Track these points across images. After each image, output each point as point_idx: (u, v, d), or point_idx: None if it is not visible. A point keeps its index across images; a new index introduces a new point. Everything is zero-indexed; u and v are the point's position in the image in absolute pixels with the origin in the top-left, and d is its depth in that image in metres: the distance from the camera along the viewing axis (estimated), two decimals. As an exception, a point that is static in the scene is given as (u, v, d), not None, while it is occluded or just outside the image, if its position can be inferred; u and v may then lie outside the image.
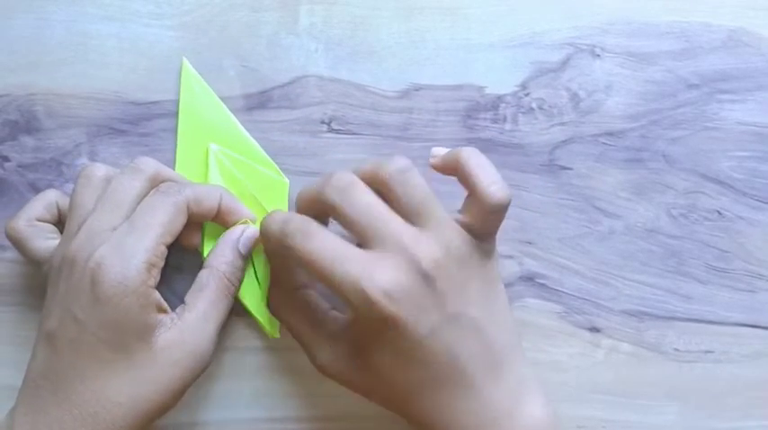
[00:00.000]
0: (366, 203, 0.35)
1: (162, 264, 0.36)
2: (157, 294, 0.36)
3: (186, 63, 0.42)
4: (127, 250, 0.35)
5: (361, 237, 0.35)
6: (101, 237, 0.35)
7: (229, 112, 0.42)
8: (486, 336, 0.36)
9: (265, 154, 0.42)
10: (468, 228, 0.36)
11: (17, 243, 0.39)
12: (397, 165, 0.36)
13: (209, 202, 0.38)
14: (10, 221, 0.39)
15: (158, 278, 0.36)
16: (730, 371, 0.42)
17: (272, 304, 0.40)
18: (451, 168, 0.37)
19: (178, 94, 0.42)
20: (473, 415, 0.36)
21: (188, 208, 0.37)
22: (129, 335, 0.35)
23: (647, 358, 0.42)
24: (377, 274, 0.34)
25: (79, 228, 0.36)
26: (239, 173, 0.41)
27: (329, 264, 0.34)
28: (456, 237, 0.36)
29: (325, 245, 0.35)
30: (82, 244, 0.36)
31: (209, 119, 0.42)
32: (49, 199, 0.39)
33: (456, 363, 0.35)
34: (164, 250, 0.36)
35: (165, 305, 0.36)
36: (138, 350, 0.35)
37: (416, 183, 0.36)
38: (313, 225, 0.36)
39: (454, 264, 0.35)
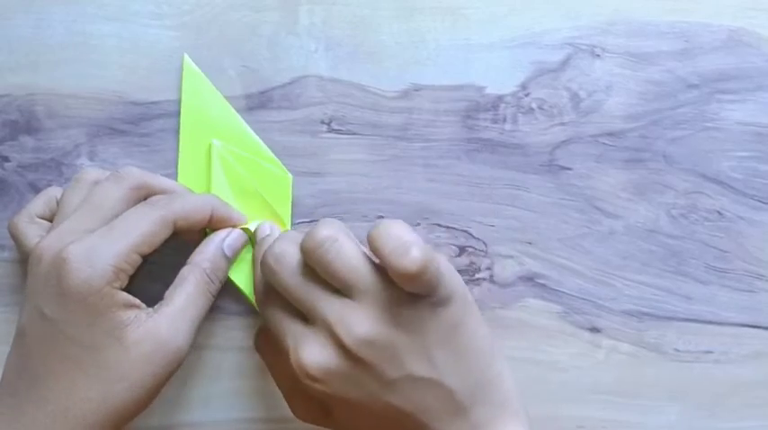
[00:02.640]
0: (295, 281, 0.35)
1: (132, 270, 0.36)
2: (124, 294, 0.35)
3: (187, 59, 0.42)
4: (96, 250, 0.35)
5: (300, 310, 0.36)
6: (72, 236, 0.35)
7: (231, 108, 0.42)
8: (442, 388, 0.35)
9: (268, 149, 0.42)
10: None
11: (15, 239, 0.39)
12: (315, 240, 0.34)
13: (200, 215, 0.38)
14: (13, 217, 0.39)
15: (125, 282, 0.36)
16: (730, 371, 0.42)
17: (257, 344, 0.40)
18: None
19: (179, 90, 0.42)
20: None
21: (175, 223, 0.37)
22: (97, 333, 0.35)
23: (647, 358, 0.42)
24: (304, 354, 0.34)
25: (55, 227, 0.37)
26: (242, 169, 0.41)
27: (278, 331, 0.36)
28: (391, 303, 0.34)
29: (276, 312, 0.36)
30: (51, 241, 0.36)
31: (211, 115, 0.42)
32: (50, 196, 0.39)
33: (408, 416, 0.35)
34: (136, 258, 0.36)
35: (138, 302, 0.36)
36: (108, 346, 0.35)
37: (336, 255, 0.34)
38: (273, 292, 0.36)
39: (389, 331, 0.34)
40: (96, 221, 0.36)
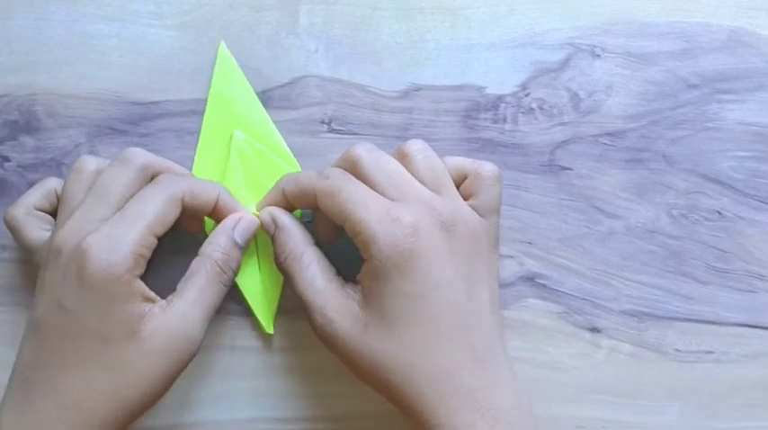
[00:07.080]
0: (393, 167, 0.37)
1: (149, 254, 0.36)
2: (142, 284, 0.36)
3: (223, 46, 0.42)
4: (115, 238, 0.35)
5: (384, 195, 0.36)
6: (89, 227, 0.35)
7: (258, 101, 0.42)
8: (491, 315, 0.37)
9: (286, 147, 0.42)
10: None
11: (13, 230, 0.39)
12: (419, 145, 0.38)
13: (206, 196, 0.38)
14: (10, 208, 0.39)
15: (144, 268, 0.36)
16: (730, 371, 0.42)
17: (281, 258, 0.38)
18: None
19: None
20: (482, 391, 0.35)
21: (183, 200, 0.37)
22: (113, 326, 0.35)
23: (648, 358, 0.42)
24: (401, 214, 0.35)
25: (68, 219, 0.37)
26: (259, 163, 0.41)
27: (352, 206, 0.36)
28: (469, 211, 0.38)
29: (354, 191, 0.36)
30: (68, 233, 0.36)
31: (237, 105, 0.42)
32: (49, 187, 0.39)
33: (464, 327, 0.35)
34: (153, 241, 0.36)
35: (153, 295, 0.36)
36: (123, 339, 0.35)
37: (437, 161, 0.38)
38: (349, 178, 0.37)
39: (467, 231, 0.36)
40: (108, 208, 0.36)
